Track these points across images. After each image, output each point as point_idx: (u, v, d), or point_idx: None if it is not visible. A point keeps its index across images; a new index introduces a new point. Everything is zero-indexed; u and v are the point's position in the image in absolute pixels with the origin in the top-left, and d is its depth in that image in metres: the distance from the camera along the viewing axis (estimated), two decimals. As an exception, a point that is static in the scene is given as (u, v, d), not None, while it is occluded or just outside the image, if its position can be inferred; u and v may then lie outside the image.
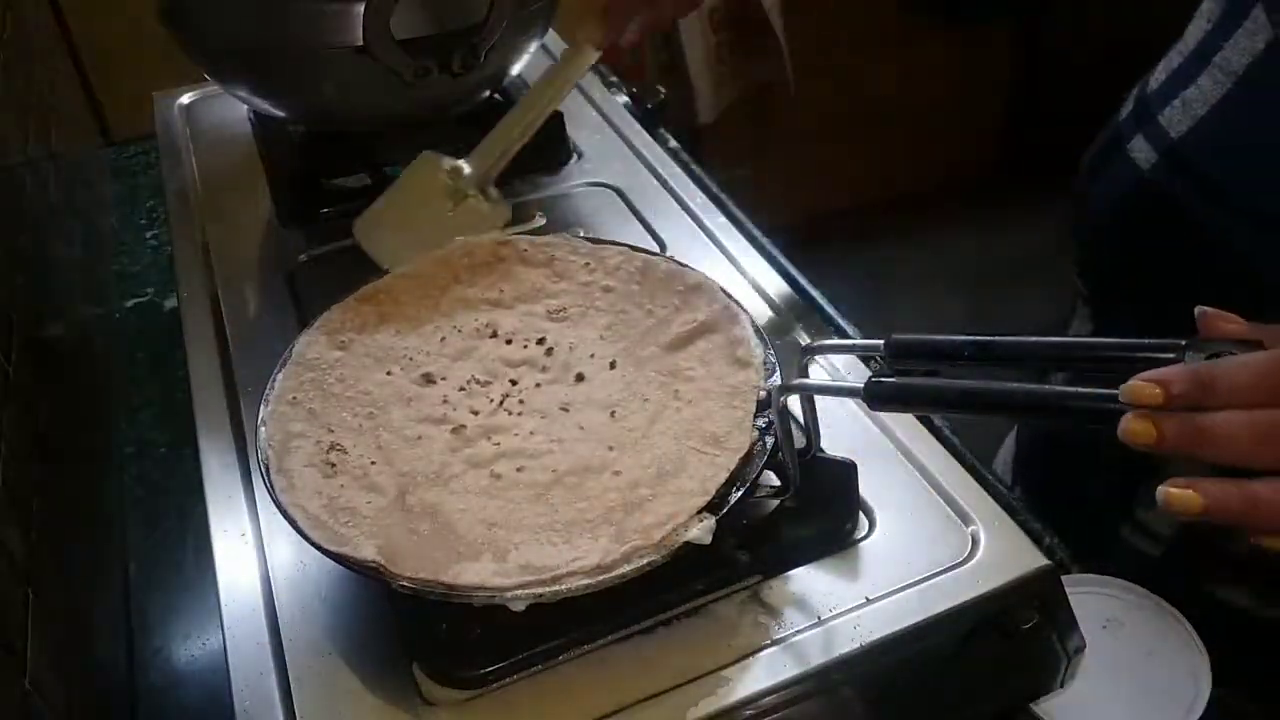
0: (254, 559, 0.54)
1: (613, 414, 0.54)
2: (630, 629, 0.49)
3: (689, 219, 0.78)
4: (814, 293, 0.71)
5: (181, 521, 0.73)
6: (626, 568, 0.46)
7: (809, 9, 2.00)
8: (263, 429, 0.53)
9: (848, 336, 0.68)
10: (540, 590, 0.45)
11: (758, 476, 0.50)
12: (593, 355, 0.58)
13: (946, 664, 0.51)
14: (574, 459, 0.52)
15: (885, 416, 0.60)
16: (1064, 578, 0.52)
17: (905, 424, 0.59)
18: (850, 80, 2.20)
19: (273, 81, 0.78)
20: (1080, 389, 0.39)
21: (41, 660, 0.53)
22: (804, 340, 0.66)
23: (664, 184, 0.82)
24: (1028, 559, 0.52)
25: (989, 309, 2.13)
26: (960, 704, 0.53)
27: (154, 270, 0.98)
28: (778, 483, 0.54)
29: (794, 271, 0.73)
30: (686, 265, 0.61)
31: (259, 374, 0.65)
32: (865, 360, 0.63)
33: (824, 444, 0.57)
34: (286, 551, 0.54)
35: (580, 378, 0.57)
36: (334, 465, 0.52)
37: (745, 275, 0.72)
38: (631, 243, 0.65)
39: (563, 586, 0.45)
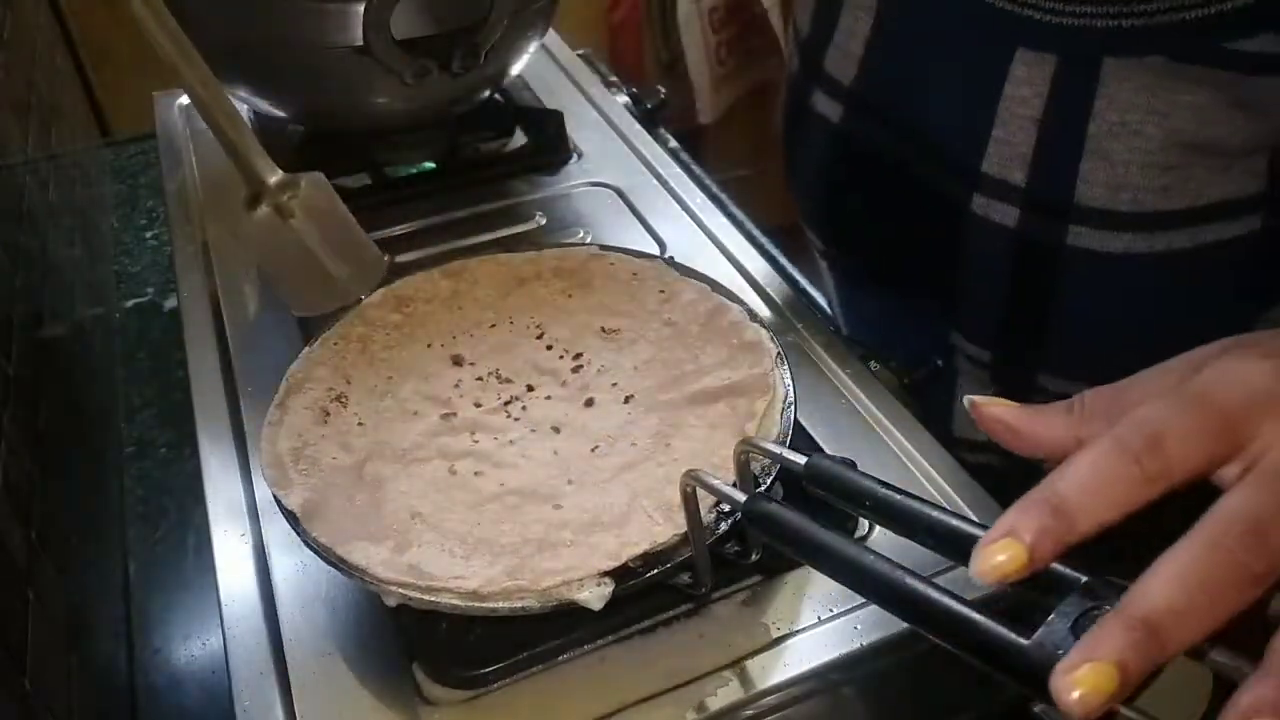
0: (254, 559, 0.54)
1: (595, 449, 0.53)
2: (630, 629, 0.49)
3: (689, 219, 0.78)
4: (814, 293, 0.71)
5: (181, 521, 0.73)
6: (501, 604, 0.45)
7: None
8: (293, 365, 0.57)
9: (847, 337, 0.68)
10: (411, 595, 0.45)
11: (681, 561, 0.46)
12: (615, 384, 0.56)
13: (946, 664, 0.51)
14: (528, 480, 0.51)
15: (884, 416, 0.60)
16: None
17: (905, 423, 0.59)
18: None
19: (273, 81, 0.78)
20: (946, 596, 0.34)
21: (41, 660, 0.53)
22: (801, 342, 0.66)
23: (664, 184, 0.82)
24: (1028, 559, 0.51)
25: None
26: (960, 704, 0.52)
27: (154, 270, 0.98)
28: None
29: (794, 272, 0.73)
30: (757, 320, 0.58)
31: (259, 374, 0.65)
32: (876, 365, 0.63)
33: (824, 444, 0.58)
34: (286, 551, 0.54)
35: (590, 403, 0.55)
36: (328, 415, 0.54)
37: (745, 275, 0.72)
38: (712, 278, 0.62)
39: (434, 599, 0.45)
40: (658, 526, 0.47)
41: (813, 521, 0.38)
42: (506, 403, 0.56)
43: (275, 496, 0.49)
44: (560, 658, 0.48)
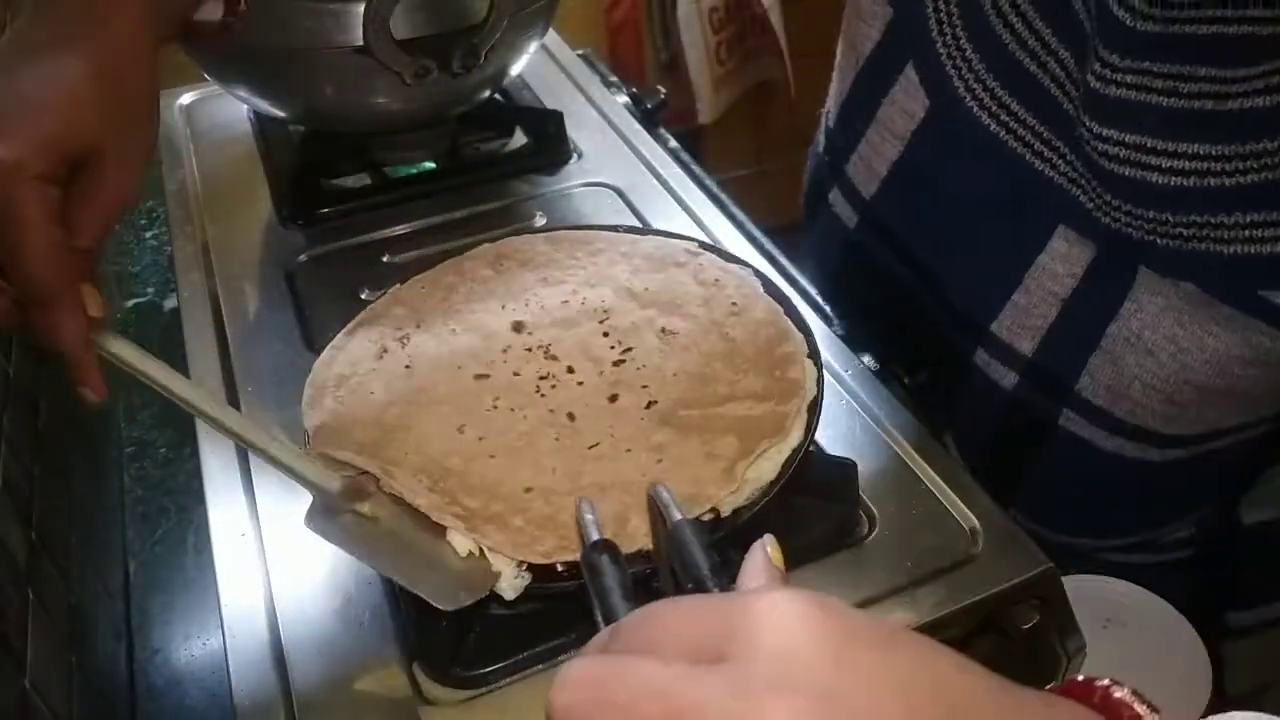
0: (254, 559, 0.54)
1: (593, 446, 0.53)
2: (630, 629, 0.49)
3: (689, 219, 0.78)
4: (814, 293, 0.71)
5: (181, 521, 0.73)
6: (426, 509, 0.49)
7: (809, 8, 2.00)
8: (383, 297, 0.62)
9: (847, 337, 0.68)
10: (356, 516, 0.49)
11: (592, 583, 0.42)
12: (645, 386, 0.56)
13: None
14: (518, 461, 0.52)
15: (885, 416, 0.60)
16: (1064, 578, 0.52)
17: (905, 424, 0.59)
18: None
19: (273, 81, 0.78)
20: None
21: (41, 660, 0.53)
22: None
23: (664, 184, 0.82)
24: (1028, 559, 0.51)
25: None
26: (960, 704, 0.52)
27: (154, 270, 0.98)
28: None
29: (794, 272, 0.73)
30: (814, 356, 0.57)
31: (259, 374, 0.65)
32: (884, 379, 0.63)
33: (825, 444, 0.58)
34: (286, 551, 0.54)
35: (613, 399, 0.55)
36: (385, 351, 0.58)
37: (745, 275, 0.72)
38: (793, 303, 0.61)
39: (392, 484, 0.49)
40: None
41: (602, 586, 0.38)
42: (541, 377, 0.57)
43: (304, 411, 0.54)
44: (560, 658, 0.48)
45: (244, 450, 0.61)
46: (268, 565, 0.54)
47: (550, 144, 0.85)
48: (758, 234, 0.78)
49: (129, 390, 0.86)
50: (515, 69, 0.83)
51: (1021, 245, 0.59)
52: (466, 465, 0.52)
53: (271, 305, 0.72)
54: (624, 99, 0.95)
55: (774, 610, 0.27)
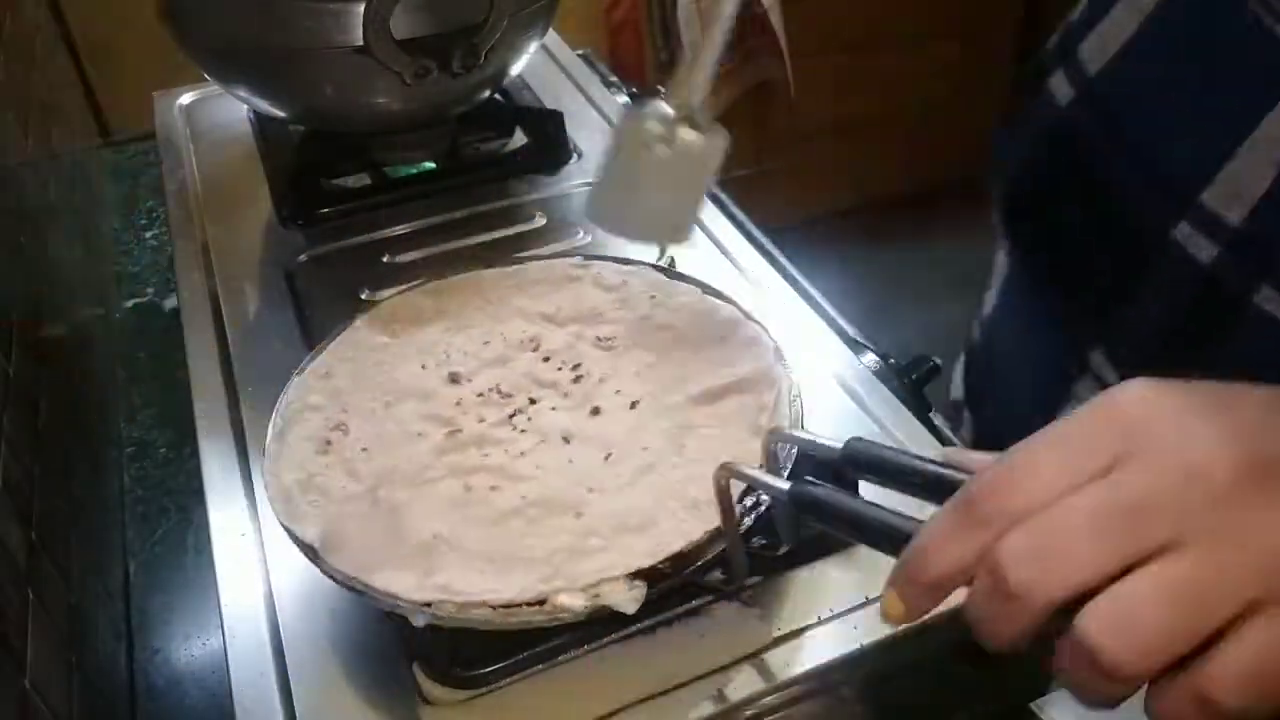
0: (254, 559, 0.54)
1: (608, 456, 0.52)
2: (630, 629, 0.49)
3: (689, 219, 0.78)
4: (814, 293, 0.71)
5: (181, 521, 0.73)
6: (536, 617, 0.45)
7: (809, 8, 2.00)
8: (284, 395, 0.56)
9: (848, 338, 0.68)
10: (442, 615, 0.45)
11: (712, 558, 0.47)
12: (618, 391, 0.56)
13: (946, 664, 0.51)
14: (547, 491, 0.50)
15: (885, 416, 0.60)
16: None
17: (905, 424, 0.59)
18: (851, 81, 2.20)
19: (273, 81, 0.78)
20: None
21: (41, 660, 0.53)
22: (805, 347, 0.66)
23: (664, 184, 0.82)
24: (1028, 559, 0.51)
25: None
26: (960, 704, 0.53)
27: (154, 270, 0.98)
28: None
29: (794, 272, 0.73)
30: (751, 317, 0.59)
31: (259, 374, 0.65)
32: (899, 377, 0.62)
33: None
34: (286, 551, 0.54)
35: (596, 411, 0.55)
36: (330, 444, 0.53)
37: (745, 276, 0.72)
38: (704, 281, 0.62)
39: (466, 616, 0.45)
40: (686, 524, 0.47)
41: (861, 500, 0.39)
42: (511, 415, 0.55)
43: (288, 530, 0.48)
44: (560, 658, 0.48)
45: (244, 450, 0.61)
46: (268, 565, 0.54)
47: (550, 144, 0.85)
48: (758, 234, 0.78)
49: (129, 390, 0.86)
50: (515, 69, 0.83)
51: (1247, 111, 0.58)
52: (502, 521, 0.49)
53: (271, 305, 0.72)
54: (624, 99, 0.95)
55: (1131, 398, 0.31)
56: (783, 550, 0.50)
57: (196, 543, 0.70)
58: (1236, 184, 0.59)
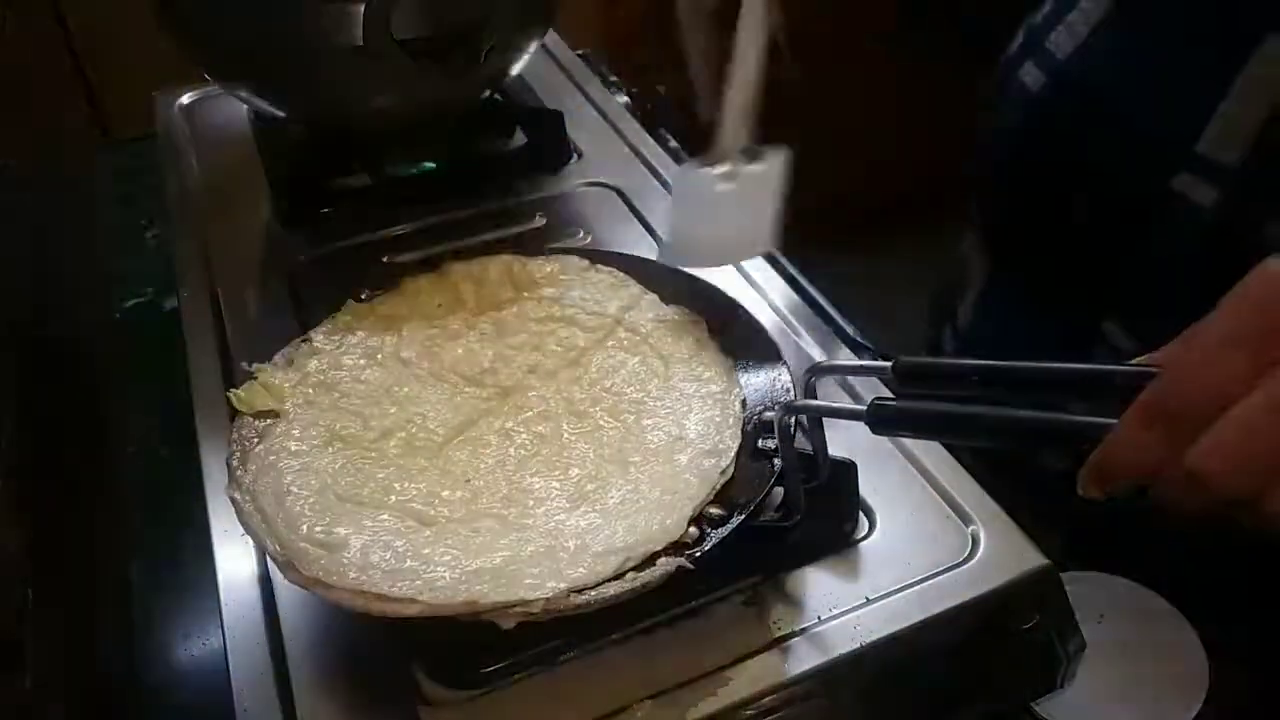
0: (254, 559, 0.54)
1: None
2: (630, 629, 0.49)
3: (689, 219, 0.78)
4: (814, 293, 0.71)
5: (181, 521, 0.73)
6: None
7: (809, 8, 2.00)
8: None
9: (848, 338, 0.68)
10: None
11: (761, 499, 0.49)
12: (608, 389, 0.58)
13: (946, 664, 0.51)
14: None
15: (885, 416, 0.60)
16: (1061, 574, 0.52)
17: (905, 424, 0.59)
18: (850, 81, 2.20)
19: (273, 81, 0.78)
20: (1090, 420, 0.38)
21: (41, 660, 0.53)
22: (806, 348, 0.66)
23: (664, 184, 0.82)
24: (1027, 559, 0.52)
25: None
26: (960, 704, 0.52)
27: (154, 270, 0.98)
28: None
29: (794, 272, 0.73)
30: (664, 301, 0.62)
31: (259, 374, 0.65)
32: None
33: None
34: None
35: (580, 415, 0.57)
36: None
37: (745, 276, 0.72)
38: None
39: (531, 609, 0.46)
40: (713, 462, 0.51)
41: (933, 402, 0.43)
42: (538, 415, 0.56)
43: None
44: (560, 658, 0.48)
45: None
46: (268, 565, 0.54)
47: (550, 144, 0.85)
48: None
49: (129, 390, 0.86)
50: (515, 69, 0.83)
51: (1228, 58, 0.59)
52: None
53: (271, 305, 0.72)
54: (624, 99, 0.95)
55: None
56: (794, 521, 0.51)
57: (196, 543, 0.70)
58: (1230, 126, 0.60)
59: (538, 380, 0.58)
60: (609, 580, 0.45)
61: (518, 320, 0.62)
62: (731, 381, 0.56)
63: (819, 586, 0.51)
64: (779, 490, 0.50)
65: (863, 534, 0.53)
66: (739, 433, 0.53)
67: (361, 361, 0.59)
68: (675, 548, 0.47)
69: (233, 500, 0.50)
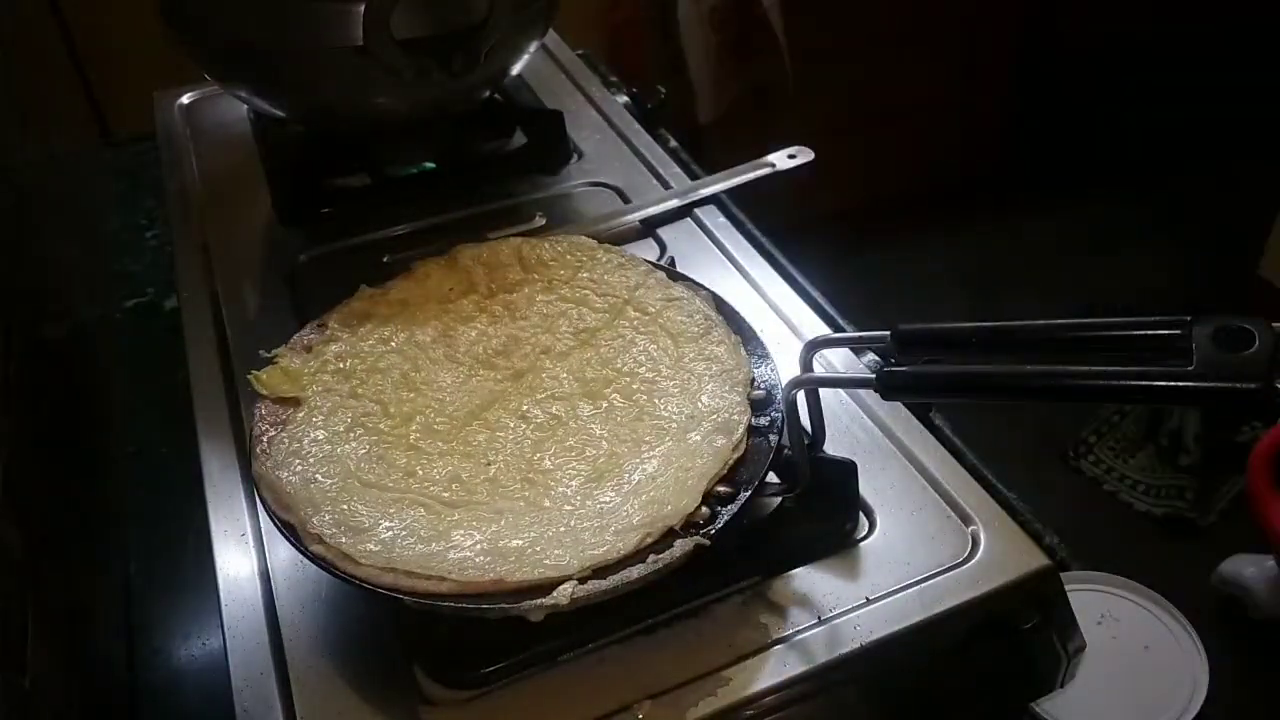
0: (254, 559, 0.54)
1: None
2: (630, 629, 0.49)
3: (689, 219, 0.78)
4: (814, 292, 0.71)
5: (181, 521, 0.73)
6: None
7: (809, 9, 2.00)
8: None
9: (839, 327, 0.68)
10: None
11: (765, 473, 0.50)
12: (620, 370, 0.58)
13: (947, 664, 0.51)
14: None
15: (885, 416, 0.60)
16: (1062, 575, 0.52)
17: (905, 424, 0.59)
18: (850, 80, 2.19)
19: (273, 81, 0.78)
20: (1096, 369, 0.38)
21: (41, 660, 0.53)
22: (802, 339, 0.66)
23: (664, 184, 0.82)
24: (1028, 559, 0.51)
25: (989, 311, 2.13)
26: (960, 704, 0.52)
27: (154, 270, 0.98)
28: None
29: (794, 271, 0.73)
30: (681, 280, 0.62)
31: (259, 374, 0.65)
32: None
33: (824, 444, 0.57)
34: (286, 552, 0.54)
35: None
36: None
37: (745, 275, 0.72)
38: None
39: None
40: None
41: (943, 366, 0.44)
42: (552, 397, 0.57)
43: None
44: (560, 658, 0.48)
45: (244, 450, 0.61)
46: (268, 565, 0.54)
47: (550, 144, 0.85)
48: (758, 234, 0.78)
49: (129, 390, 0.86)
50: (515, 69, 0.83)
51: None
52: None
53: (271, 305, 0.72)
54: (624, 99, 0.95)
55: None
56: (799, 490, 0.51)
57: (196, 543, 0.70)
58: None
59: (550, 361, 0.58)
60: (629, 557, 0.46)
61: (528, 302, 0.63)
62: (740, 359, 0.56)
63: (819, 586, 0.51)
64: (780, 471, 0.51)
65: (863, 534, 0.53)
66: (748, 408, 0.53)
67: (379, 348, 0.60)
68: (687, 528, 0.48)
69: (258, 477, 0.51)
